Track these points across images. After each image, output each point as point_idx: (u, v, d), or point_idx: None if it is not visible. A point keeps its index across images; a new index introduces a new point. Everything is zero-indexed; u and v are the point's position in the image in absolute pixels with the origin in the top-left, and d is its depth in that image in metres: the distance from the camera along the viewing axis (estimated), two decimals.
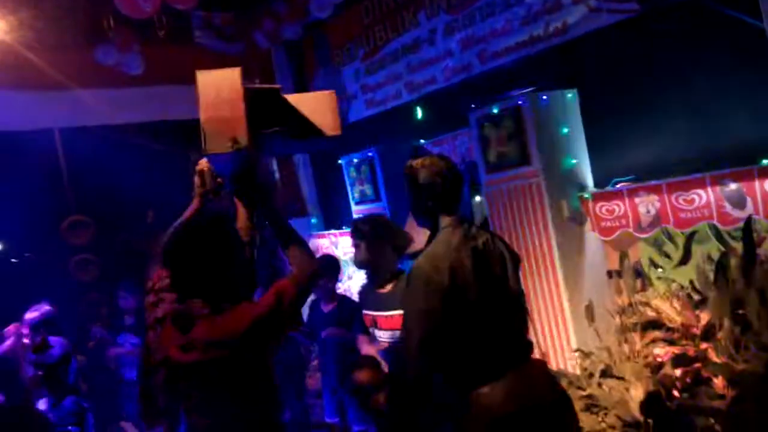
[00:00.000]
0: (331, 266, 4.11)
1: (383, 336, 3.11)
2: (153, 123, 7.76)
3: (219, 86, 2.45)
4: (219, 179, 2.55)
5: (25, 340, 4.53)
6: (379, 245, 3.11)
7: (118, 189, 8.22)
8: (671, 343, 3.03)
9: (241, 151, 2.34)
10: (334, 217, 6.71)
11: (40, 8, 5.55)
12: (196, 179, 2.56)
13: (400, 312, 2.26)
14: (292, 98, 2.60)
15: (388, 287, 3.10)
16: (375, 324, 3.16)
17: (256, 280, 2.31)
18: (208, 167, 2.55)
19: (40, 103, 6.37)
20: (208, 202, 2.52)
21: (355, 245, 3.20)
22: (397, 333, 2.61)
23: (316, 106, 2.57)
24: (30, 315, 4.62)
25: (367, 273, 3.29)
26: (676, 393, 2.87)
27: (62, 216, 11.41)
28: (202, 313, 1.96)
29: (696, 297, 3.16)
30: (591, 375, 3.21)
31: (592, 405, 3.12)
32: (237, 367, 1.94)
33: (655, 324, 3.20)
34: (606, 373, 3.19)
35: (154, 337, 2.45)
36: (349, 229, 3.64)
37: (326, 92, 2.62)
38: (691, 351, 2.91)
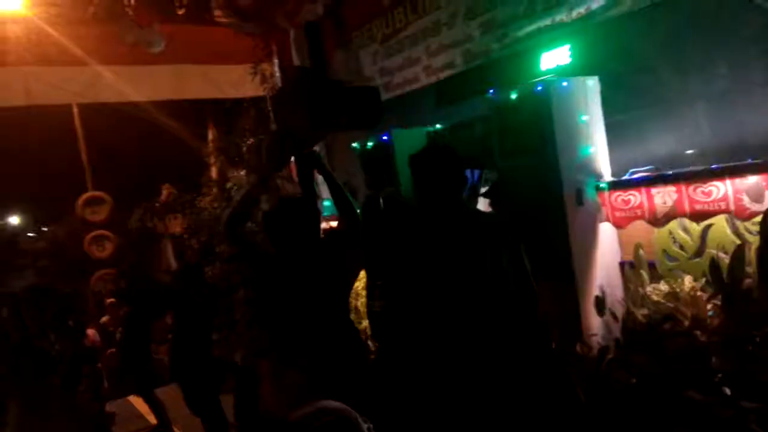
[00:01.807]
0: None
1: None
2: (171, 101, 7.81)
3: None
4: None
5: None
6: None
7: (134, 166, 8.29)
8: (683, 335, 3.00)
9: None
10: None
11: None
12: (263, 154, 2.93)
13: None
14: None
15: None
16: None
17: None
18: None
19: (60, 78, 6.39)
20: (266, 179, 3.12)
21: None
22: None
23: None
24: None
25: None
26: None
27: (80, 192, 11.56)
28: None
29: (709, 290, 3.13)
30: (599, 365, 3.19)
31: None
32: None
33: (668, 317, 3.17)
34: (615, 364, 3.18)
35: None
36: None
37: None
38: (703, 342, 2.88)
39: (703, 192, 3.20)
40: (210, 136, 8.98)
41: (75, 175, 11.90)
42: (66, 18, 5.79)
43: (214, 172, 8.68)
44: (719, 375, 2.74)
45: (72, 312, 4.16)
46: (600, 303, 3.35)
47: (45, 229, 15.56)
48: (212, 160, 8.59)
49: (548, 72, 3.75)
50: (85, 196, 11.45)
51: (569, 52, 3.76)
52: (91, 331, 6.28)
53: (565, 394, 2.54)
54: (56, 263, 13.03)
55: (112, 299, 8.26)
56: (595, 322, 3.45)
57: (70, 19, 5.83)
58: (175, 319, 4.57)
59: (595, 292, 3.44)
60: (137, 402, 6.73)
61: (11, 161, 12.98)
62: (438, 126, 5.13)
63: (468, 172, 3.14)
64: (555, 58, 3.78)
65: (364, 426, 1.80)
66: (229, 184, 7.76)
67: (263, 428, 3.17)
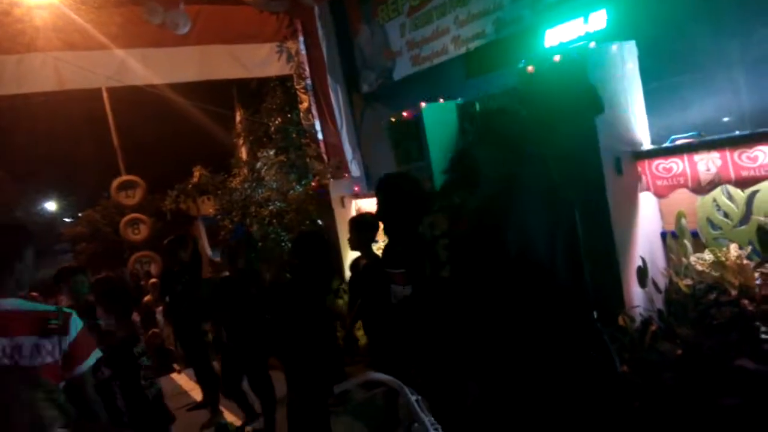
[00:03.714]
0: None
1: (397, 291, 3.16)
2: (198, 83, 7.81)
3: None
4: None
5: None
6: (393, 202, 3.07)
7: (165, 148, 8.37)
8: (730, 304, 2.92)
9: None
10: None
11: None
12: None
13: None
14: None
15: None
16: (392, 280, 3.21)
17: None
18: None
19: (89, 62, 6.43)
20: None
21: (376, 201, 3.20)
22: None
23: None
24: None
25: (384, 229, 3.25)
26: None
27: (113, 176, 11.74)
28: None
29: (756, 258, 3.04)
30: (643, 337, 3.13)
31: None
32: None
33: (712, 287, 3.09)
34: (658, 335, 3.11)
35: None
36: None
37: None
38: (751, 311, 2.80)
39: (748, 157, 3.09)
40: (237, 116, 9.00)
41: (107, 159, 12.09)
42: (92, 2, 5.81)
43: (243, 153, 8.71)
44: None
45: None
46: (642, 274, 3.27)
47: (80, 214, 15.90)
48: (241, 140, 8.62)
49: (582, 39, 3.62)
50: (118, 180, 11.64)
51: (605, 17, 3.62)
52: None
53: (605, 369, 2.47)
54: (93, 247, 13.32)
55: (154, 279, 8.41)
56: (636, 293, 3.37)
57: (96, 4, 5.84)
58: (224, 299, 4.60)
59: (637, 263, 3.36)
60: (180, 378, 6.88)
61: (46, 147, 13.24)
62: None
63: None
64: (590, 23, 3.64)
65: (412, 397, 1.79)
66: (258, 164, 7.79)
67: (314, 400, 3.21)
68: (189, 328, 5.26)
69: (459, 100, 5.11)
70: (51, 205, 19.46)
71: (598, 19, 3.62)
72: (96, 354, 2.23)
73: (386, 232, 3.19)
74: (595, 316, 2.40)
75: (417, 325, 2.92)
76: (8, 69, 5.98)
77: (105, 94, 11.47)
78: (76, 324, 2.14)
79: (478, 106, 4.91)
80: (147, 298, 8.10)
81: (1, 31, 5.67)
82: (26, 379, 1.96)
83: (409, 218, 2.92)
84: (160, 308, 7.42)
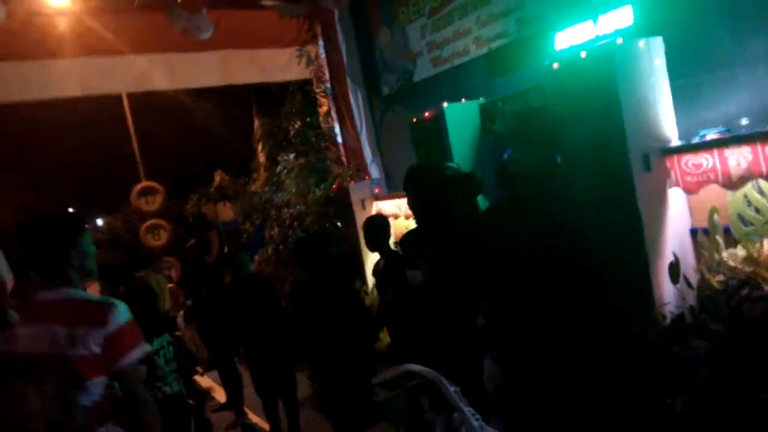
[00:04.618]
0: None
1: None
2: (217, 88, 7.88)
3: None
4: None
5: None
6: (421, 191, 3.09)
7: (186, 153, 8.45)
8: (763, 300, 2.88)
9: None
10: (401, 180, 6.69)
11: None
12: None
13: None
14: None
15: None
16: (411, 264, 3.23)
17: None
18: None
19: (111, 68, 6.52)
20: None
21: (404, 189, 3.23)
22: None
23: None
24: None
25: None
26: None
27: (133, 182, 11.84)
28: None
29: None
30: (677, 335, 3.10)
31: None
32: None
33: (745, 282, 3.05)
34: (690, 332, 3.07)
35: None
36: None
37: None
38: None
39: None
40: (256, 121, 9.07)
41: (127, 165, 12.20)
42: (113, 8, 5.88)
43: (262, 157, 8.77)
44: None
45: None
46: (674, 270, 3.24)
47: (100, 221, 16.04)
48: (260, 145, 8.68)
49: (609, 36, 3.61)
50: (139, 186, 11.73)
51: (632, 13, 3.60)
52: None
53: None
54: (115, 254, 13.42)
55: (172, 284, 8.46)
56: (668, 290, 3.33)
57: (117, 9, 5.92)
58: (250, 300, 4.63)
59: (668, 259, 3.32)
60: (203, 381, 6.91)
61: (66, 153, 13.40)
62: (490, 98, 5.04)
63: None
64: (617, 19, 3.63)
65: (451, 388, 1.78)
66: (278, 168, 7.83)
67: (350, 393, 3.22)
68: (213, 330, 5.29)
69: (481, 100, 5.10)
70: (72, 211, 19.60)
71: (624, 16, 3.61)
72: (142, 349, 2.20)
73: (416, 218, 3.21)
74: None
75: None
76: (33, 75, 6.09)
77: (125, 100, 11.61)
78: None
79: (500, 105, 4.90)
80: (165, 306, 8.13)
81: (26, 39, 5.76)
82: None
83: (437, 204, 2.96)
84: (181, 312, 7.46)
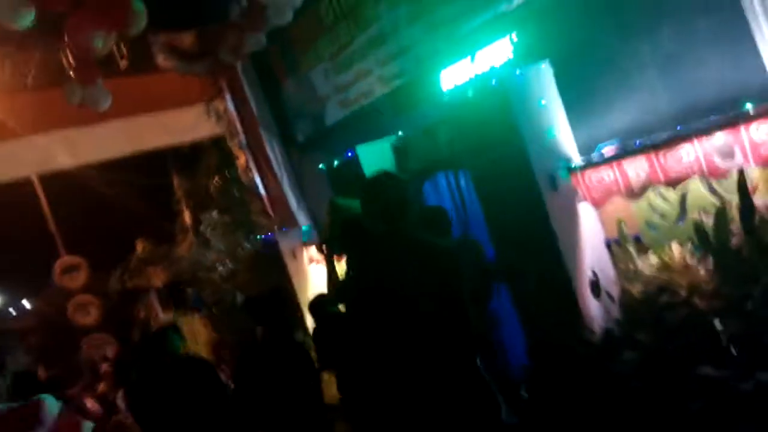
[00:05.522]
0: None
1: None
2: (129, 156, 7.64)
3: None
4: None
5: None
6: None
7: (105, 226, 8.14)
8: (682, 305, 2.96)
9: None
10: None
11: None
12: None
13: None
14: None
15: None
16: None
17: None
18: None
19: (13, 151, 6.23)
20: None
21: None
22: None
23: None
24: None
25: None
26: None
27: (54, 261, 11.24)
28: None
29: (698, 255, 3.09)
30: (605, 348, 3.14)
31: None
32: None
33: (663, 289, 3.13)
34: (619, 345, 3.12)
35: None
36: None
37: None
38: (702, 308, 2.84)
39: (673, 158, 3.17)
40: (176, 182, 8.84)
41: (46, 246, 11.63)
42: (6, 88, 5.64)
43: (186, 219, 8.54)
44: (724, 340, 2.69)
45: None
46: (594, 285, 3.30)
47: (26, 304, 15.20)
48: (182, 206, 8.46)
49: (494, 70, 3.71)
50: (60, 263, 11.18)
51: (515, 40, 3.72)
52: (89, 402, 6.08)
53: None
54: (44, 338, 12.72)
55: (106, 366, 8.03)
56: (593, 305, 3.39)
57: (11, 89, 5.68)
58: None
59: (587, 275, 3.38)
60: None
61: None
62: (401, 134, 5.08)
63: None
64: (496, 51, 3.74)
65: None
66: (202, 227, 7.63)
67: None
68: (150, 421, 5.02)
69: (392, 137, 5.13)
70: None
71: (503, 48, 3.72)
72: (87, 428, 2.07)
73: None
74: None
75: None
76: None
77: (36, 180, 11.11)
78: (50, 410, 1.98)
79: (411, 141, 4.94)
80: (101, 387, 7.70)
81: None
82: None
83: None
84: (120, 393, 7.07)
